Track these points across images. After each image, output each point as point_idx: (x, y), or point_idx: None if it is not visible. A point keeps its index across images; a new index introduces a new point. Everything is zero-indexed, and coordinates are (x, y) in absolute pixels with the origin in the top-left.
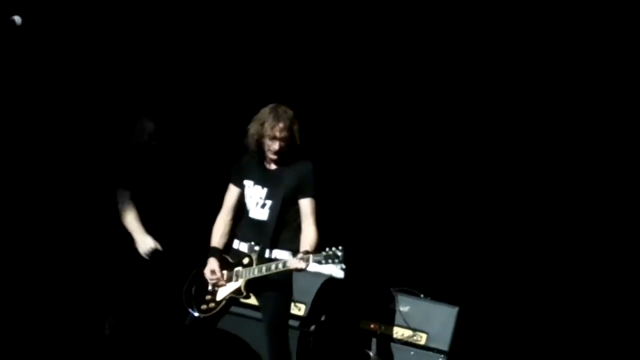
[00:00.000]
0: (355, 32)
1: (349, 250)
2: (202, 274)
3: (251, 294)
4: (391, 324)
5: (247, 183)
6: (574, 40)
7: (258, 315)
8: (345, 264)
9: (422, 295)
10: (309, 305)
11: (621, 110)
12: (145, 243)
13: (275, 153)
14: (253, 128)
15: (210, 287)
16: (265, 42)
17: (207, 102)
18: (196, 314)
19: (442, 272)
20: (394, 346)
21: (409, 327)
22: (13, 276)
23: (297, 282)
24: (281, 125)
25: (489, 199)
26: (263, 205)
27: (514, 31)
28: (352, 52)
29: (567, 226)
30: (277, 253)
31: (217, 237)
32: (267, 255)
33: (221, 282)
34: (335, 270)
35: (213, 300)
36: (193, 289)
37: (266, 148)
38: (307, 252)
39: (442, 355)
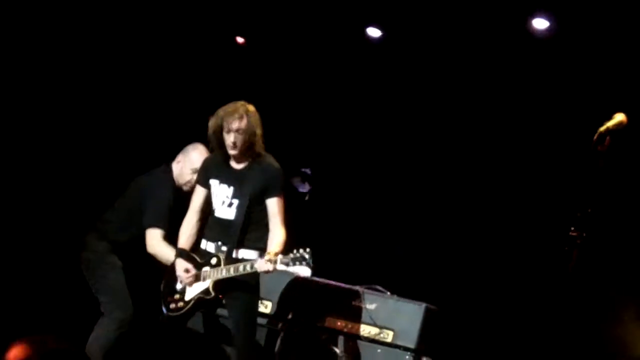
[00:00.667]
0: (327, 33)
1: (316, 248)
2: (172, 274)
3: (219, 294)
4: (358, 321)
5: (213, 182)
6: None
7: (226, 312)
8: (312, 264)
9: (388, 293)
10: (275, 303)
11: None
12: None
13: (234, 147)
14: (211, 123)
15: (179, 287)
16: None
17: (171, 103)
18: (165, 312)
19: (408, 270)
20: (361, 344)
21: (375, 325)
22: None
23: (264, 280)
24: (236, 116)
25: (455, 197)
26: (230, 205)
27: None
28: (321, 55)
29: (535, 225)
30: (244, 253)
31: (184, 238)
32: (234, 255)
33: (190, 284)
34: (302, 269)
35: (182, 299)
36: (162, 288)
37: (226, 143)
38: (275, 254)
39: (409, 353)
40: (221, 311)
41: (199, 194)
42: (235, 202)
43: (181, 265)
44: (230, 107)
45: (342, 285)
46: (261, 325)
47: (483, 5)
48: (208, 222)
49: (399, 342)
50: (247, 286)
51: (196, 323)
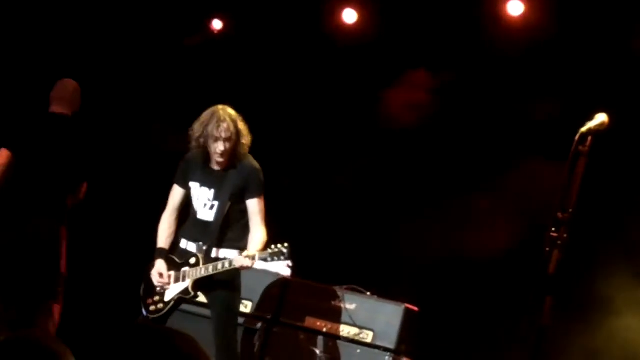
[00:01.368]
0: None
1: (296, 248)
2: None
3: (199, 293)
4: (338, 322)
5: (193, 185)
6: None
7: (207, 312)
8: (291, 261)
9: (368, 293)
10: (255, 303)
11: None
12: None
13: (222, 155)
14: (196, 131)
15: (158, 288)
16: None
17: (151, 102)
18: (145, 314)
19: (388, 270)
20: (341, 344)
21: (355, 325)
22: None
23: (244, 279)
24: (225, 125)
25: (435, 196)
26: (211, 207)
27: None
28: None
29: (514, 226)
30: (224, 252)
31: (163, 237)
32: (213, 254)
33: (166, 287)
34: (282, 268)
35: (161, 301)
36: (142, 289)
37: (212, 150)
38: (255, 250)
39: (389, 353)
40: (201, 310)
41: (177, 193)
42: (216, 203)
43: (156, 269)
44: (215, 116)
45: (322, 285)
46: (241, 325)
47: None
48: (187, 222)
49: (379, 343)
50: (228, 285)
51: (176, 322)
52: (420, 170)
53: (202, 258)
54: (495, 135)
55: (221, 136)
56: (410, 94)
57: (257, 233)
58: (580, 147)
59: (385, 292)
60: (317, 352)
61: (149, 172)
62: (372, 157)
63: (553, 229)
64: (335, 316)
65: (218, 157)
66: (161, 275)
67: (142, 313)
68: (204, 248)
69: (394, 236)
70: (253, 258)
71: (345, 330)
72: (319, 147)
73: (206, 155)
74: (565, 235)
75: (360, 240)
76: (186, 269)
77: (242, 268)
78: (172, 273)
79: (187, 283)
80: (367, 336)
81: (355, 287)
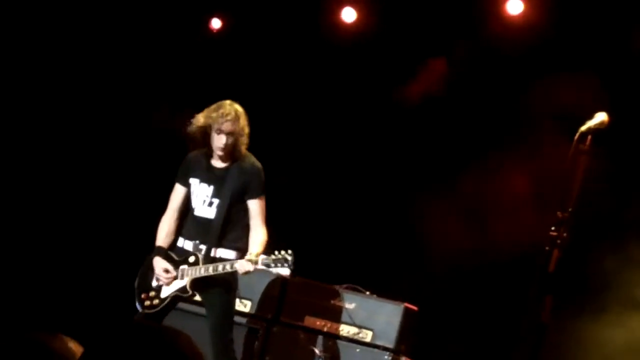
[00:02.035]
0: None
1: (295, 248)
2: (147, 271)
3: (196, 292)
4: (337, 321)
5: (193, 181)
6: None
7: (203, 311)
8: (293, 266)
9: (368, 293)
10: (254, 302)
11: None
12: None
13: (223, 149)
14: (200, 121)
15: (154, 284)
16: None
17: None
18: (140, 310)
19: (388, 269)
20: (340, 343)
21: (354, 325)
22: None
23: (243, 278)
24: (228, 118)
25: (435, 196)
26: (210, 204)
27: None
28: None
29: (512, 224)
30: (223, 252)
31: (163, 235)
32: (212, 254)
33: (162, 284)
34: (282, 268)
35: (157, 297)
36: (137, 285)
37: (213, 143)
38: (257, 255)
39: (388, 353)
40: (197, 309)
41: (178, 192)
42: (216, 201)
43: (161, 265)
44: (221, 108)
45: (322, 284)
46: (240, 324)
47: None
48: (186, 220)
49: (378, 342)
50: (224, 285)
51: (172, 320)
52: (419, 169)
53: (202, 257)
54: (494, 134)
55: (224, 129)
56: (418, 87)
57: (258, 234)
58: (580, 146)
59: (384, 291)
60: (317, 351)
61: (150, 168)
62: (370, 156)
63: (553, 228)
64: (335, 315)
65: (219, 150)
66: (167, 271)
67: (137, 309)
68: (200, 247)
69: (393, 235)
70: (255, 263)
71: (345, 330)
72: (317, 145)
73: (208, 153)
74: (565, 235)
75: (359, 239)
76: (185, 267)
77: (244, 273)
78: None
79: (185, 281)
80: (367, 335)
81: (354, 286)
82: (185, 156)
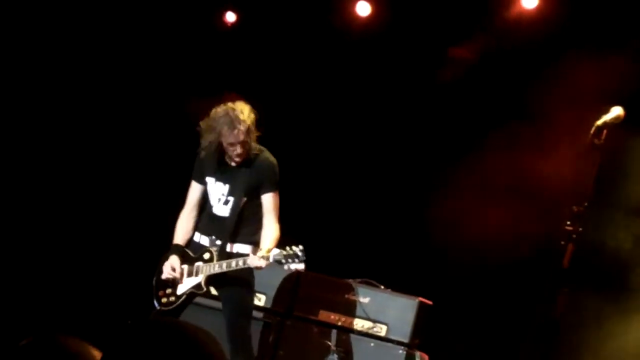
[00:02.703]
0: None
1: (309, 242)
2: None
3: (212, 288)
4: (351, 315)
5: (209, 180)
6: None
7: (220, 305)
8: (304, 264)
9: (382, 287)
10: (269, 296)
11: None
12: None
13: (240, 155)
14: (209, 137)
15: (170, 282)
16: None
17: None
18: (157, 307)
19: (402, 263)
20: (354, 338)
21: (369, 319)
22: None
23: (258, 273)
24: (239, 129)
25: (449, 189)
26: (226, 202)
27: None
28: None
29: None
30: (238, 247)
31: (181, 233)
32: (227, 249)
33: (177, 281)
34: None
35: (173, 294)
36: (154, 282)
37: (228, 151)
38: (268, 250)
39: (402, 347)
40: (215, 303)
41: (195, 189)
42: (231, 199)
43: (170, 262)
44: (229, 120)
45: (336, 278)
46: (254, 319)
47: None
48: (204, 216)
49: (392, 337)
50: (241, 281)
51: (189, 315)
52: (432, 163)
53: (216, 254)
54: (508, 130)
55: (235, 141)
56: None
57: (270, 229)
58: (596, 140)
59: (399, 285)
60: (331, 345)
61: (168, 165)
62: (385, 150)
63: (568, 223)
64: (349, 310)
65: (236, 157)
66: (173, 269)
67: (154, 306)
68: (217, 243)
69: (408, 229)
70: (267, 259)
71: (359, 324)
72: (330, 140)
73: (221, 150)
74: (580, 229)
75: (374, 233)
76: (199, 263)
77: (256, 268)
78: (186, 267)
79: (200, 278)
80: (381, 330)
81: (368, 280)
82: (199, 153)
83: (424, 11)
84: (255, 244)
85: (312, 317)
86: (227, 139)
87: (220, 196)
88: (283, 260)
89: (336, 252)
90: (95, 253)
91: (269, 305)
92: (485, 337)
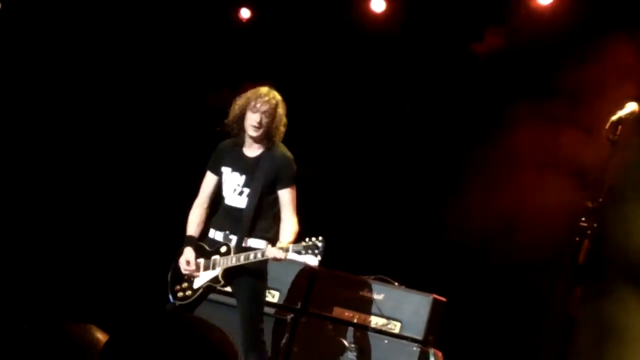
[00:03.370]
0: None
1: (324, 238)
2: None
3: (228, 282)
4: (365, 312)
5: (225, 170)
6: None
7: (233, 301)
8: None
9: (396, 284)
10: (283, 293)
11: None
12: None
13: (257, 128)
14: (238, 102)
15: (186, 276)
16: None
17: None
18: (173, 301)
19: (417, 260)
20: (368, 334)
21: (383, 316)
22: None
23: (271, 269)
24: (266, 99)
25: (462, 188)
26: (241, 193)
27: None
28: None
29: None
30: (253, 242)
31: (194, 225)
32: (243, 244)
33: (195, 274)
34: (310, 258)
35: (190, 288)
36: (170, 276)
37: (247, 122)
38: (288, 243)
39: (416, 344)
40: (229, 300)
41: (209, 180)
42: (247, 190)
43: (185, 256)
44: (260, 89)
45: (350, 275)
46: (268, 315)
47: None
48: (219, 211)
49: (406, 333)
50: (254, 274)
51: (202, 311)
52: (446, 160)
53: (233, 247)
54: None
55: (260, 108)
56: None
57: (289, 223)
58: (611, 136)
59: (413, 282)
60: (345, 342)
61: (183, 158)
62: (400, 147)
63: (583, 219)
64: (363, 306)
65: (252, 130)
66: (188, 262)
67: (169, 300)
68: (230, 237)
69: (422, 226)
70: (286, 250)
71: (373, 321)
72: (345, 136)
73: (240, 141)
74: (595, 225)
75: (388, 230)
76: (216, 257)
77: (274, 260)
78: (202, 261)
79: (217, 271)
80: (395, 327)
81: (383, 277)
82: (218, 144)
83: (439, 7)
84: (270, 241)
85: (326, 314)
86: (257, 103)
87: (235, 187)
88: (302, 251)
89: (350, 248)
90: (110, 246)
91: (283, 302)
92: (499, 334)
